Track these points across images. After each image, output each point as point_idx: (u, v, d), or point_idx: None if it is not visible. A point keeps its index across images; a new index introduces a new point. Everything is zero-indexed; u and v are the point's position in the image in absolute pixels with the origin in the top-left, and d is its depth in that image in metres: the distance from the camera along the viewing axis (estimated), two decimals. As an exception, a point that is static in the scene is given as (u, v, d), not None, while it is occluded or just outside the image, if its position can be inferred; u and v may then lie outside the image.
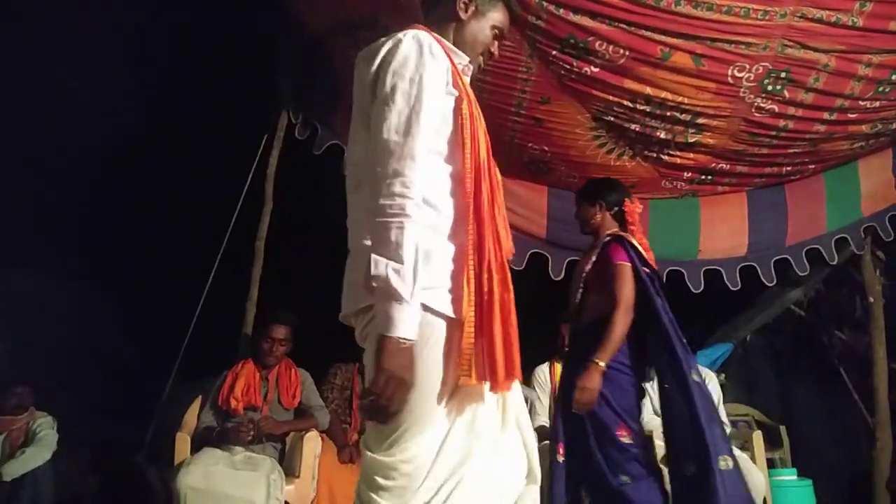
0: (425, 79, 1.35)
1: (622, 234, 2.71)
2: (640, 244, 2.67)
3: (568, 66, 3.06)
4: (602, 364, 2.44)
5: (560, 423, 2.61)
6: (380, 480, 1.30)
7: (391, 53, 1.39)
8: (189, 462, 2.82)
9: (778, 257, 4.05)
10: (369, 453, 1.34)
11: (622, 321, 2.50)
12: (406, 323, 1.23)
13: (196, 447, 3.01)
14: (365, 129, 1.40)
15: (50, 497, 3.16)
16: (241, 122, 3.92)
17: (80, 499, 3.54)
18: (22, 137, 3.78)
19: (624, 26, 2.84)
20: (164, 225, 4.27)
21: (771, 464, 3.74)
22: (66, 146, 3.84)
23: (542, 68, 3.12)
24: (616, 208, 2.78)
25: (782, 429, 4.25)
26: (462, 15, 1.57)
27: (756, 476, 3.30)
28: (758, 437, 3.69)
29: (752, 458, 3.54)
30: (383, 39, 1.44)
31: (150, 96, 3.95)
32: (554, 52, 3.01)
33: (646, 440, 2.71)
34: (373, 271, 1.23)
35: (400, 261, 1.23)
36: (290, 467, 3.06)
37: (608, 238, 2.70)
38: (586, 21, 2.83)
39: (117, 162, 4.07)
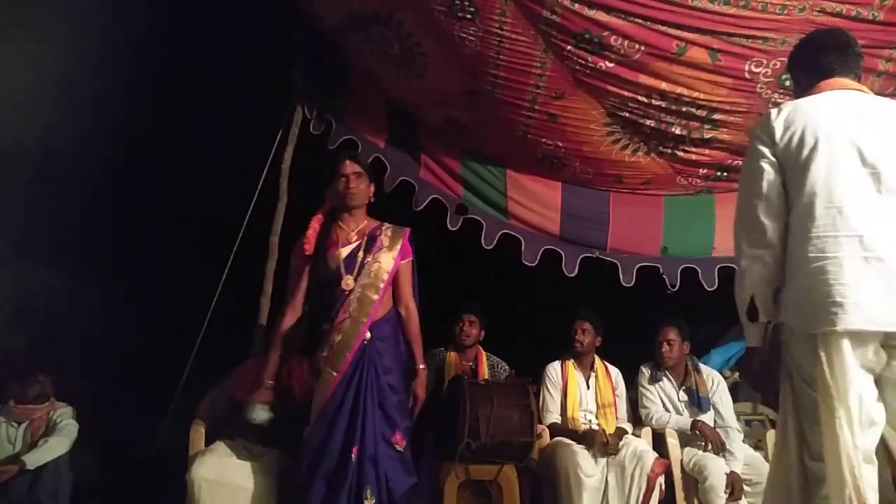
0: None
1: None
2: None
3: (583, 62, 3.04)
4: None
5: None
6: None
7: None
8: (203, 454, 2.85)
9: (795, 255, 4.00)
10: None
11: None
12: None
13: (210, 439, 3.04)
14: None
15: (69, 486, 3.20)
16: (255, 117, 3.95)
17: (96, 488, 3.59)
18: (41, 133, 3.83)
19: (639, 21, 2.83)
20: (179, 220, 4.31)
21: (785, 463, 3.69)
22: (84, 141, 3.89)
23: (556, 63, 3.11)
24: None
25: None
26: None
27: (770, 475, 3.28)
28: (772, 437, 3.66)
29: (766, 458, 3.52)
30: None
31: (165, 91, 3.98)
32: (568, 48, 3.00)
33: None
34: None
35: None
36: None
37: (406, 228, 2.69)
38: (601, 16, 2.82)
39: (133, 156, 4.12)
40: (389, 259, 2.61)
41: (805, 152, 1.81)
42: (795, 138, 1.84)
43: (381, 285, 2.57)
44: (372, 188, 2.73)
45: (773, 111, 1.92)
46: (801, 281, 1.77)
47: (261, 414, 2.66)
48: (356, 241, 2.63)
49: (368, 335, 2.54)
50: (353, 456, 2.42)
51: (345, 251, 2.60)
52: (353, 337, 2.52)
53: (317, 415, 2.52)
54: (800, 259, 1.77)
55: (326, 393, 2.51)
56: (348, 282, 2.55)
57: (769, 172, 1.86)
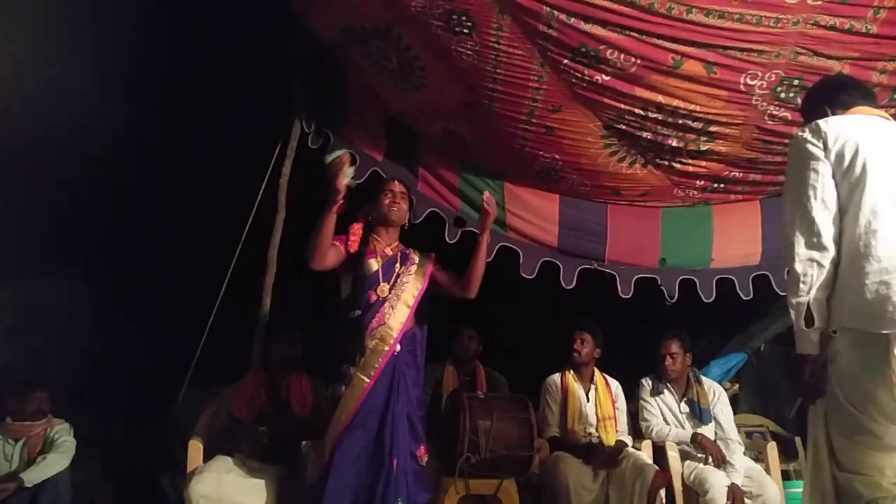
0: None
1: None
2: None
3: (579, 75, 3.06)
4: None
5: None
6: None
7: None
8: (202, 470, 2.84)
9: (792, 266, 4.01)
10: None
11: None
12: None
13: (209, 455, 3.02)
14: None
15: (67, 503, 3.18)
16: (254, 131, 3.96)
17: (94, 505, 3.56)
18: (39, 148, 3.84)
19: (635, 35, 2.85)
20: (178, 233, 4.31)
21: (786, 475, 3.69)
22: (83, 157, 3.90)
23: (553, 77, 3.13)
24: None
25: (797, 440, 4.19)
26: None
27: (770, 488, 3.27)
28: (772, 449, 3.65)
29: (767, 470, 3.51)
30: None
31: (163, 105, 3.99)
32: (565, 61, 3.02)
33: None
34: None
35: None
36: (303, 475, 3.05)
37: (432, 254, 2.89)
38: (597, 30, 2.84)
39: (131, 171, 4.12)
40: (421, 276, 2.76)
41: (861, 158, 1.84)
42: (848, 145, 1.86)
43: (417, 293, 2.70)
44: (408, 214, 2.87)
45: (820, 121, 1.94)
46: (868, 281, 1.73)
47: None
48: (391, 254, 2.75)
49: (398, 347, 2.61)
50: (394, 468, 2.44)
51: (382, 260, 2.72)
52: (386, 345, 2.59)
53: (346, 420, 2.50)
54: (866, 258, 1.75)
55: (358, 399, 2.52)
56: (383, 288, 2.65)
57: (824, 175, 1.86)
